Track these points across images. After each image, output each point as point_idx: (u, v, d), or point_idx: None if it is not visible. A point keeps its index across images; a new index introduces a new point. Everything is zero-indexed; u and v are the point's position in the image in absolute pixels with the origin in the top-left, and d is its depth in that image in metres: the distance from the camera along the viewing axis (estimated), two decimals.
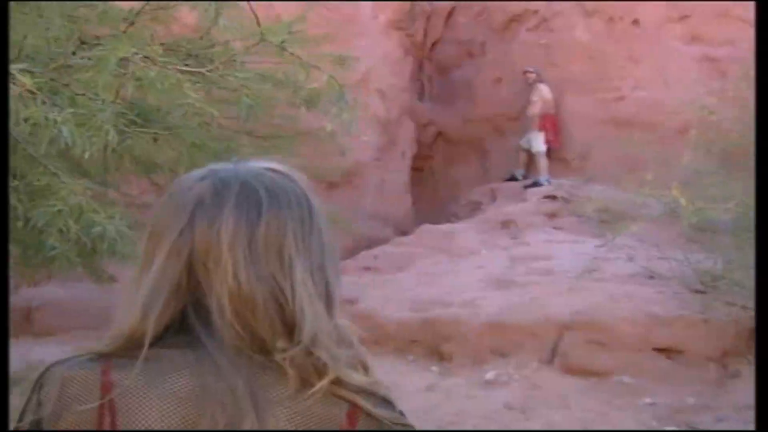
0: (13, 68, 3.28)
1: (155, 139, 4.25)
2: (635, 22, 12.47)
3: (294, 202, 1.29)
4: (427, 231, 11.98)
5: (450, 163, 15.10)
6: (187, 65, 4.22)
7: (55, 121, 3.09)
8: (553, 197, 11.95)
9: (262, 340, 1.21)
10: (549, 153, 12.95)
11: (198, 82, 4.14)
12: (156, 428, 1.19)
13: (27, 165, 3.78)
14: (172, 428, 1.19)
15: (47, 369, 1.24)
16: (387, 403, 1.31)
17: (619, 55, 12.55)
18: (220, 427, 1.19)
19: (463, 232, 11.72)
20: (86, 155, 3.22)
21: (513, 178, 13.42)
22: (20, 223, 3.74)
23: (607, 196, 10.95)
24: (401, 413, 1.34)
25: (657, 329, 7.69)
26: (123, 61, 3.43)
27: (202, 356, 1.22)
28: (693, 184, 7.86)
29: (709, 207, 7.37)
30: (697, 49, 12.43)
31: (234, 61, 4.48)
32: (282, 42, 4.13)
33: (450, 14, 15.06)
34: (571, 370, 7.60)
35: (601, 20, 12.70)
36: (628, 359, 7.57)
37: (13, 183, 3.65)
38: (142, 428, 1.19)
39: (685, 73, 12.11)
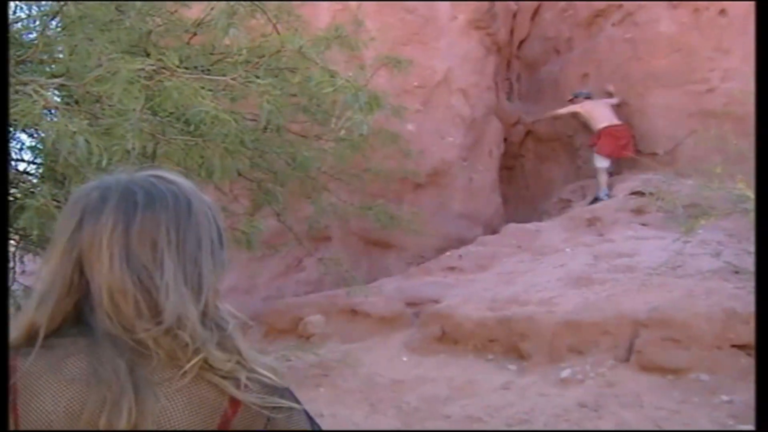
0: (48, 83, 3.50)
1: (188, 146, 4.42)
2: (722, 12, 12.13)
3: (171, 203, 1.45)
4: (512, 230, 11.96)
5: (541, 161, 15.03)
6: (207, 72, 4.38)
7: (73, 132, 3.27)
8: (640, 193, 11.75)
9: (132, 325, 1.37)
10: (638, 152, 12.79)
11: (221, 90, 4.30)
12: (48, 407, 1.36)
13: (72, 173, 4.01)
14: (61, 407, 1.36)
15: None
16: (262, 386, 1.45)
17: (707, 47, 12.25)
18: (107, 406, 1.34)
19: (548, 230, 11.66)
20: (104, 163, 3.40)
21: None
22: None
23: (695, 191, 10.75)
24: (283, 392, 1.50)
25: (736, 326, 7.50)
26: (140, 72, 3.61)
27: (90, 343, 1.38)
28: None
29: None
30: None
31: (258, 68, 4.63)
32: (300, 48, 4.25)
33: (536, 12, 15.00)
34: (646, 368, 7.49)
35: (686, 11, 12.41)
36: (706, 356, 7.41)
37: (53, 191, 3.90)
38: (37, 407, 1.36)
39: None
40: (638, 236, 10.51)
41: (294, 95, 6.95)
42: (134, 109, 3.61)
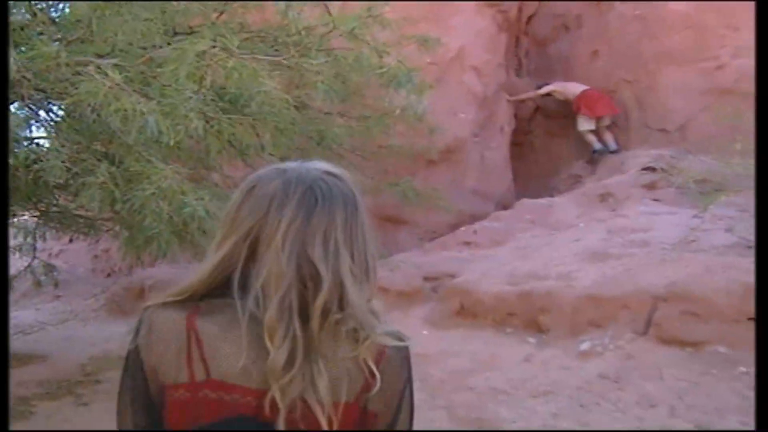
0: (105, 63, 3.62)
1: (240, 124, 4.55)
2: None
3: (341, 201, 1.63)
4: (526, 205, 12.08)
5: (550, 137, 15.12)
6: (267, 54, 4.51)
7: (142, 112, 3.41)
8: (652, 169, 11.87)
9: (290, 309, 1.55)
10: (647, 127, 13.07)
11: (276, 70, 4.42)
12: (230, 364, 1.55)
13: (124, 152, 4.16)
14: (239, 366, 1.54)
15: (145, 309, 1.64)
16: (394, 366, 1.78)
17: (718, 24, 12.32)
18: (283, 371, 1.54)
19: (561, 205, 11.78)
20: (171, 142, 3.54)
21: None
22: (119, 206, 4.17)
23: (707, 167, 10.88)
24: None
25: (753, 300, 7.64)
26: (204, 53, 3.75)
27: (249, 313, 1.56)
28: None
29: None
30: None
31: (309, 49, 4.75)
32: (353, 29, 4.38)
33: None
34: (665, 341, 7.61)
35: None
36: (724, 330, 7.52)
37: (111, 169, 4.05)
38: (222, 363, 1.55)
39: None
40: (651, 212, 10.60)
41: (318, 73, 7.05)
42: (196, 90, 3.74)
